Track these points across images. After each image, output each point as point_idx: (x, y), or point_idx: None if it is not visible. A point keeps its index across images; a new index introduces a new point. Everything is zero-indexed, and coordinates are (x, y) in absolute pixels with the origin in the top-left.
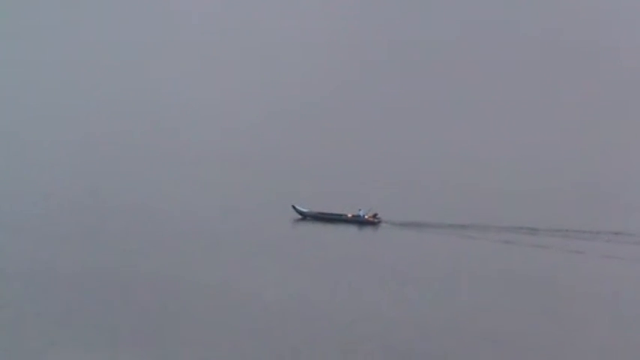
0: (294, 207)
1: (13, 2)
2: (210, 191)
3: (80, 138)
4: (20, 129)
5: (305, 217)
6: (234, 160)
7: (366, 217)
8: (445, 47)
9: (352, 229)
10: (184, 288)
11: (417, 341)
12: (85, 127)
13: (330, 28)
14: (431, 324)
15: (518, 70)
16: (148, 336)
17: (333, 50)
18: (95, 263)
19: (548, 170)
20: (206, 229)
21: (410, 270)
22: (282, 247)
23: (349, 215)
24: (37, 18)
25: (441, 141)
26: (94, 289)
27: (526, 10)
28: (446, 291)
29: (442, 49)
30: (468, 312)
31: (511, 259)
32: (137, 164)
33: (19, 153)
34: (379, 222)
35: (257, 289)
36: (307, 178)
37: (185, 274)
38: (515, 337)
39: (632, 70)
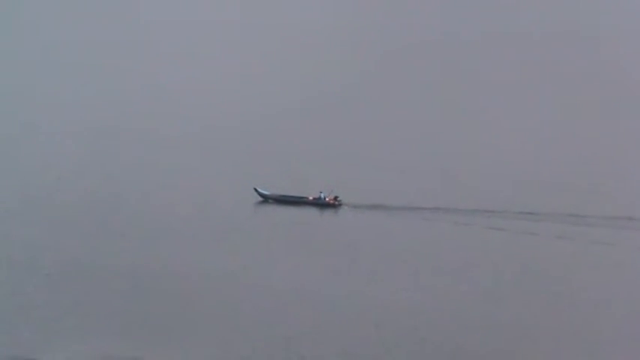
0: (255, 189)
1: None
2: (173, 174)
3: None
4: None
5: (266, 199)
6: (198, 143)
7: (326, 199)
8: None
9: (313, 212)
10: (146, 271)
11: (376, 320)
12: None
13: (304, 15)
14: (390, 304)
15: (499, 55)
16: (113, 318)
17: (301, 37)
18: (54, 246)
19: (510, 153)
20: (167, 212)
21: (369, 251)
22: (243, 229)
23: (310, 198)
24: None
25: (402, 123)
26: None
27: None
28: (404, 272)
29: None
30: (427, 292)
31: (467, 240)
32: (97, 149)
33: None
34: (340, 204)
35: (218, 270)
36: (269, 161)
37: (145, 257)
38: (470, 316)
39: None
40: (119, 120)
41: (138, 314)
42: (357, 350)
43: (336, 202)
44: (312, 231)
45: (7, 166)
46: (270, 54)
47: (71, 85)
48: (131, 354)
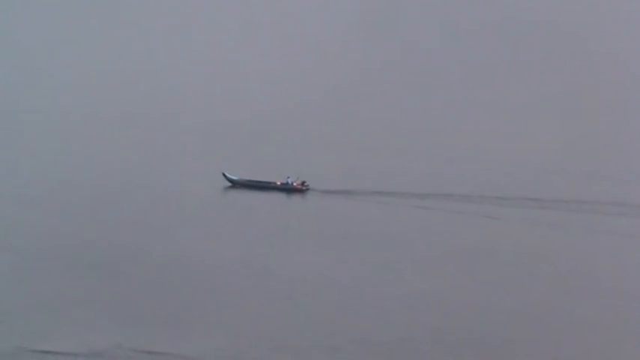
0: (224, 174)
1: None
2: (142, 158)
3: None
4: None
5: (235, 184)
6: (167, 128)
7: (294, 184)
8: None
9: (280, 197)
10: (111, 255)
11: (344, 304)
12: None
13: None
14: (357, 287)
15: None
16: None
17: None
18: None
19: (487, 140)
20: (133, 196)
21: (335, 235)
22: (211, 214)
23: (278, 183)
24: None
25: (371, 109)
26: None
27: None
28: (371, 256)
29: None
30: (394, 275)
31: (433, 224)
32: (66, 134)
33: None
34: (307, 189)
35: (186, 254)
36: (238, 146)
37: (113, 241)
38: (435, 298)
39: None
40: (86, 103)
41: (98, 300)
42: (319, 332)
43: (304, 187)
44: (277, 216)
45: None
46: (248, 45)
47: (46, 64)
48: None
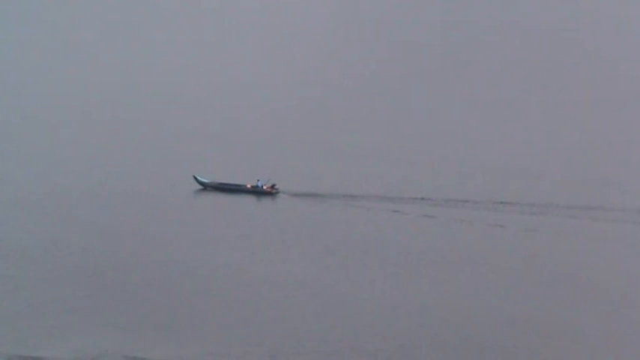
0: (195, 177)
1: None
2: (112, 160)
3: None
4: None
5: (206, 187)
6: (138, 130)
7: (264, 187)
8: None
9: (251, 199)
10: (83, 260)
11: (312, 304)
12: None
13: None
14: (325, 288)
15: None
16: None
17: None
18: None
19: (443, 143)
20: (105, 197)
21: (303, 237)
22: (182, 217)
23: (248, 186)
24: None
25: (344, 113)
26: None
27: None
28: (340, 258)
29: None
30: (360, 277)
31: (400, 227)
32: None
33: None
34: (277, 192)
35: (158, 257)
36: (208, 149)
37: (82, 246)
38: (402, 300)
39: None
40: (57, 104)
41: (64, 302)
42: (285, 335)
43: (273, 190)
44: (248, 218)
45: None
46: (222, 49)
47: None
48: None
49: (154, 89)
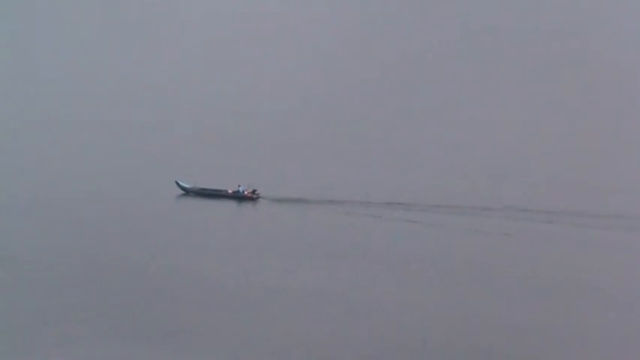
0: (177, 182)
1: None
2: (93, 164)
3: None
4: None
5: (187, 192)
6: (120, 134)
7: (245, 192)
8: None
9: (232, 205)
10: (67, 261)
11: (294, 311)
12: None
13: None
14: (307, 293)
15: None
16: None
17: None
18: None
19: (425, 148)
20: (88, 202)
21: (283, 242)
22: (165, 221)
23: (230, 191)
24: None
25: (327, 118)
26: None
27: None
28: (318, 261)
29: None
30: (343, 281)
31: (380, 231)
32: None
33: None
34: (258, 197)
35: (141, 260)
36: (191, 155)
37: (64, 250)
38: (386, 304)
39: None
40: (39, 107)
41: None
42: (269, 332)
43: (254, 196)
44: (229, 223)
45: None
46: (206, 51)
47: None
48: None
49: (143, 92)
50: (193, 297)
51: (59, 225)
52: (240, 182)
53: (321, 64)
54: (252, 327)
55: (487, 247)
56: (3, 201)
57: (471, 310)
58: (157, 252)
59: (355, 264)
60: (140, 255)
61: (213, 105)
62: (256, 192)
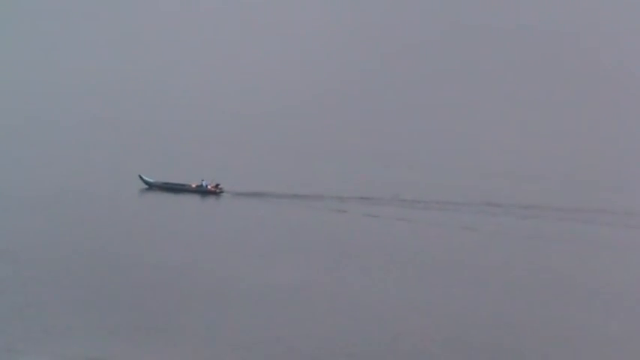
0: (140, 177)
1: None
2: (58, 159)
3: None
4: None
5: (151, 186)
6: (84, 128)
7: (208, 187)
8: None
9: (195, 199)
10: (31, 256)
11: (260, 301)
12: None
13: None
14: (268, 285)
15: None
16: None
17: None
18: None
19: (390, 142)
20: (52, 194)
21: (245, 235)
22: (127, 215)
23: (193, 185)
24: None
25: (295, 112)
26: None
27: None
28: (278, 254)
29: None
30: (303, 274)
31: (346, 226)
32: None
33: None
34: (221, 192)
35: (105, 254)
36: (154, 149)
37: (26, 243)
38: (348, 297)
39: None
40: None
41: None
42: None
43: (217, 190)
44: (192, 217)
45: None
46: (177, 47)
47: None
48: None
49: (101, 85)
50: (159, 291)
51: (24, 219)
52: (203, 177)
53: (301, 63)
54: (223, 322)
55: (468, 244)
56: None
57: (446, 304)
58: (120, 246)
59: (316, 257)
60: (104, 249)
61: (171, 99)
62: (219, 186)
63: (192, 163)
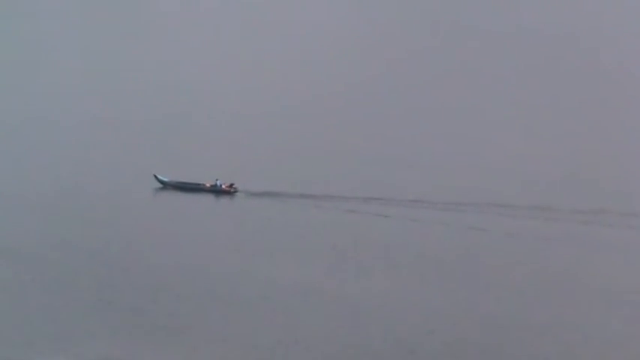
0: (155, 176)
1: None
2: (72, 158)
3: None
4: None
5: (165, 185)
6: (99, 127)
7: (222, 186)
8: None
9: (209, 198)
10: (45, 254)
11: (271, 302)
12: None
13: None
14: (281, 285)
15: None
16: None
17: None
18: None
19: (398, 143)
20: (67, 195)
21: (259, 236)
22: (142, 214)
23: (207, 185)
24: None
25: (306, 113)
26: None
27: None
28: (295, 255)
29: None
30: (319, 275)
31: (356, 226)
32: None
33: None
34: (235, 191)
35: (120, 255)
36: (169, 148)
37: (43, 241)
38: (358, 298)
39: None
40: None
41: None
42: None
43: (232, 190)
44: (206, 217)
45: None
46: (185, 45)
47: None
48: None
49: (113, 83)
50: (175, 291)
51: (38, 218)
52: (218, 176)
53: (312, 64)
54: (240, 322)
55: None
56: None
57: (458, 305)
58: (135, 246)
59: (331, 257)
60: (118, 249)
61: (185, 98)
62: (234, 186)
63: (202, 163)
